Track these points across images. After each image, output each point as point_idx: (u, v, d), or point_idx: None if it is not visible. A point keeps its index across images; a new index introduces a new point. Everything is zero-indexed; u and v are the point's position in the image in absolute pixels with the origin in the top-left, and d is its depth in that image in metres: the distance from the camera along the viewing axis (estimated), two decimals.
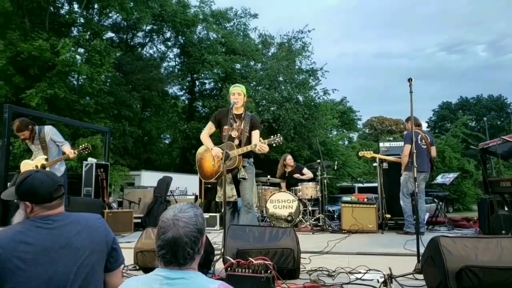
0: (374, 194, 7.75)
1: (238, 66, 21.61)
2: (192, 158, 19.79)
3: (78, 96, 15.27)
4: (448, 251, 2.53)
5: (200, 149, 4.66)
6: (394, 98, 78.79)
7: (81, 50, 16.28)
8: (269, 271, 2.68)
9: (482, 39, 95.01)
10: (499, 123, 44.43)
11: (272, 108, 19.06)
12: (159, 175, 9.60)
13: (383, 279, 2.94)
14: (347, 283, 3.07)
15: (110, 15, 19.16)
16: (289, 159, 8.08)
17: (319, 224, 7.01)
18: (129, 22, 19.84)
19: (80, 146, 5.48)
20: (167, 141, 23.91)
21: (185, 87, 23.42)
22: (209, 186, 7.98)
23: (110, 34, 19.68)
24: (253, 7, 32.83)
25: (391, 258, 4.01)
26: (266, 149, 4.16)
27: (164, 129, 20.77)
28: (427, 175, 6.24)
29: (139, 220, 7.18)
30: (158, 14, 19.82)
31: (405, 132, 6.77)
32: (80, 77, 16.63)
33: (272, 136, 4.18)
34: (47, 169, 5.27)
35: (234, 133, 4.42)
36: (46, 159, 5.40)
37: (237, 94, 4.45)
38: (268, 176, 7.87)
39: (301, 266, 3.38)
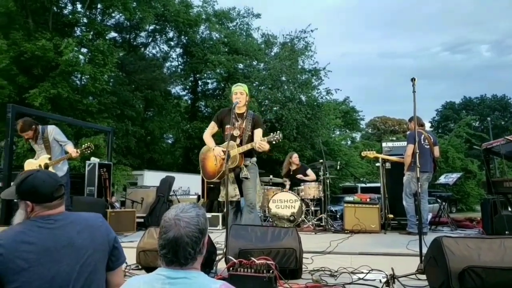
0: (377, 194, 7.73)
1: (240, 66, 21.62)
2: (194, 158, 19.86)
3: (81, 96, 15.34)
4: (450, 251, 2.52)
5: (204, 149, 4.67)
6: (397, 98, 78.91)
7: (84, 50, 16.35)
8: (271, 271, 2.68)
9: (486, 39, 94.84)
10: (503, 123, 44.31)
11: (275, 108, 19.05)
12: (162, 174, 9.62)
13: (385, 279, 2.93)
14: (350, 283, 3.06)
15: (113, 15, 19.24)
16: (295, 157, 8.09)
17: (321, 224, 6.99)
18: (132, 22, 19.88)
19: (83, 146, 5.51)
20: (169, 141, 23.98)
21: (187, 87, 23.45)
22: (212, 186, 7.98)
23: (113, 34, 19.80)
24: (256, 7, 32.68)
25: (394, 258, 4.00)
26: (266, 146, 4.15)
27: (166, 129, 20.82)
28: (430, 175, 6.22)
29: (142, 220, 7.19)
30: (161, 14, 19.87)
31: (408, 132, 6.74)
32: (83, 77, 16.70)
33: (271, 134, 4.18)
34: (50, 168, 5.30)
35: (236, 132, 4.42)
36: (50, 159, 5.42)
37: (239, 93, 4.45)
38: (271, 176, 7.87)
39: (303, 266, 3.37)
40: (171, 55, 23.46)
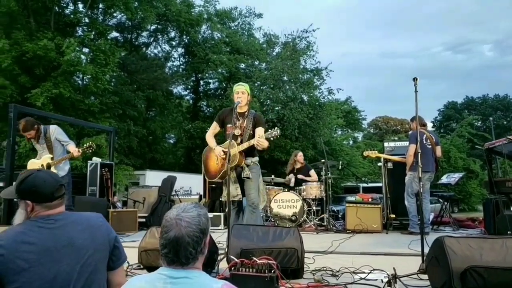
0: (379, 194, 7.71)
1: (242, 65, 21.61)
2: (196, 158, 19.86)
3: (83, 96, 15.35)
4: (452, 251, 2.51)
5: (206, 149, 4.69)
6: (399, 97, 78.72)
7: (86, 49, 16.36)
8: (273, 271, 2.67)
9: (488, 39, 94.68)
10: (505, 123, 44.18)
11: (277, 108, 19.04)
12: (164, 174, 9.64)
13: (387, 279, 2.93)
14: (351, 283, 3.05)
15: (115, 14, 19.23)
16: (300, 156, 8.11)
17: (323, 224, 6.99)
18: (134, 22, 19.87)
19: (85, 145, 5.53)
20: (171, 141, 23.98)
21: (189, 86, 23.45)
22: (214, 185, 8.00)
23: (114, 34, 19.79)
24: (257, 6, 32.73)
25: (396, 258, 3.99)
26: (265, 143, 4.15)
27: (168, 129, 20.82)
28: (432, 175, 6.21)
29: (144, 220, 7.21)
30: (162, 13, 19.86)
31: (410, 132, 6.73)
32: (85, 77, 16.70)
33: (269, 130, 4.18)
34: (52, 168, 5.32)
35: (237, 131, 4.42)
36: (52, 158, 5.43)
37: (241, 92, 4.46)
38: (272, 176, 7.88)
39: (305, 266, 3.37)
40: (172, 55, 23.49)
